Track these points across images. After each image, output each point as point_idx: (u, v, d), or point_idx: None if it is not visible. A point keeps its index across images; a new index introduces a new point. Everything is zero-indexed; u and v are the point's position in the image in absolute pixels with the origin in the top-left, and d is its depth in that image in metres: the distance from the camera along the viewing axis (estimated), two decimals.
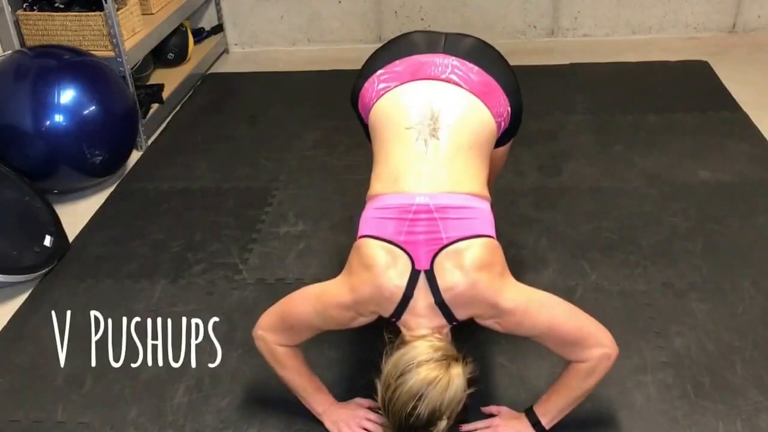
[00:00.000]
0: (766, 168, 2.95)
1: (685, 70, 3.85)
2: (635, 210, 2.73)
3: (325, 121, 3.52)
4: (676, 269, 2.42)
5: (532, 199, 2.83)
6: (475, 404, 1.92)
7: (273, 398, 2.03)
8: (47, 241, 2.63)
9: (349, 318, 1.71)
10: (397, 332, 1.69)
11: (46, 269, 2.58)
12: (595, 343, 1.68)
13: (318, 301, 1.73)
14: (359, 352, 2.13)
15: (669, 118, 3.38)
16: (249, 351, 2.19)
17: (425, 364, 1.54)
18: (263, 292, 2.43)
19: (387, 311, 1.67)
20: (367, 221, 1.71)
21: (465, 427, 1.88)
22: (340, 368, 2.11)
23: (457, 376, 1.56)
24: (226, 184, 3.08)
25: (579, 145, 3.19)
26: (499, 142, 1.93)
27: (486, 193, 1.76)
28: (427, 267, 1.62)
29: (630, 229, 2.63)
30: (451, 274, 1.62)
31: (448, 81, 1.80)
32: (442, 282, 1.62)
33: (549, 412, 1.80)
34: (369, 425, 1.88)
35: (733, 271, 2.40)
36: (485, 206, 1.73)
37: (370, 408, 1.90)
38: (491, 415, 1.91)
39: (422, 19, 4.33)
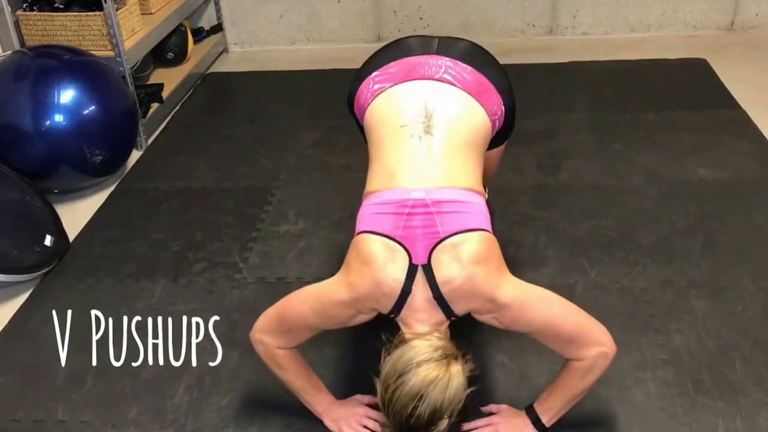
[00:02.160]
0: (764, 165, 2.95)
1: (683, 68, 3.86)
2: (634, 208, 2.73)
3: (324, 120, 3.52)
4: (676, 267, 2.42)
5: (532, 198, 2.83)
6: (475, 403, 1.92)
7: (273, 397, 2.03)
8: (48, 240, 2.63)
9: (348, 316, 1.71)
10: (395, 332, 1.68)
11: (47, 269, 2.58)
12: (593, 341, 1.68)
13: (316, 300, 1.73)
14: (358, 351, 2.13)
15: (668, 116, 3.38)
16: (249, 350, 2.18)
17: (425, 363, 1.54)
18: (263, 291, 2.43)
19: (386, 307, 1.67)
20: (365, 217, 1.72)
21: (466, 426, 1.88)
22: (339, 367, 2.11)
23: (457, 374, 1.55)
24: (226, 184, 3.08)
25: (578, 144, 3.20)
26: (493, 143, 1.94)
27: (481, 189, 1.77)
28: (425, 261, 1.62)
29: (629, 226, 2.63)
30: (449, 268, 1.61)
31: (442, 80, 1.81)
32: (439, 276, 1.62)
33: (549, 410, 1.80)
34: (369, 423, 1.88)
35: (732, 269, 2.40)
36: (480, 201, 1.73)
37: (369, 405, 1.91)
38: (491, 414, 1.91)
39: (421, 18, 4.33)
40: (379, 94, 1.85)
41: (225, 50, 4.53)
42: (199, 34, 4.32)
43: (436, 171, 1.70)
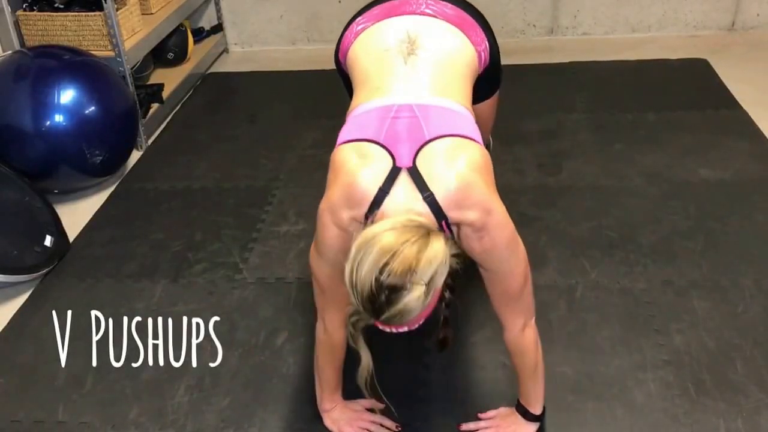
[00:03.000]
0: (765, 166, 2.95)
1: (684, 69, 3.85)
2: (635, 208, 2.73)
3: (325, 120, 3.52)
4: (677, 267, 2.42)
5: (532, 198, 2.83)
6: (474, 408, 1.93)
7: (274, 397, 2.03)
8: (48, 241, 2.63)
9: (334, 236, 1.58)
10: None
11: (47, 269, 2.58)
12: (526, 309, 1.69)
13: (314, 241, 1.67)
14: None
15: (668, 116, 3.38)
16: (250, 350, 2.19)
17: (400, 227, 1.40)
18: (264, 292, 2.43)
19: (361, 213, 1.53)
20: (346, 128, 1.66)
21: (465, 426, 1.88)
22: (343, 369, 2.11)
23: (437, 242, 1.41)
24: (226, 184, 3.08)
25: (579, 144, 3.19)
26: (482, 91, 1.91)
27: (472, 111, 1.70)
28: (410, 164, 1.52)
29: (630, 227, 2.63)
30: (443, 170, 1.52)
31: (423, 14, 1.81)
32: (430, 178, 1.51)
33: (529, 399, 1.83)
34: (371, 426, 1.88)
35: (733, 269, 2.40)
36: (470, 116, 1.67)
37: (371, 409, 1.91)
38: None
39: None
40: (361, 33, 1.84)
41: (225, 50, 4.52)
42: (200, 34, 4.32)
43: (422, 85, 1.65)
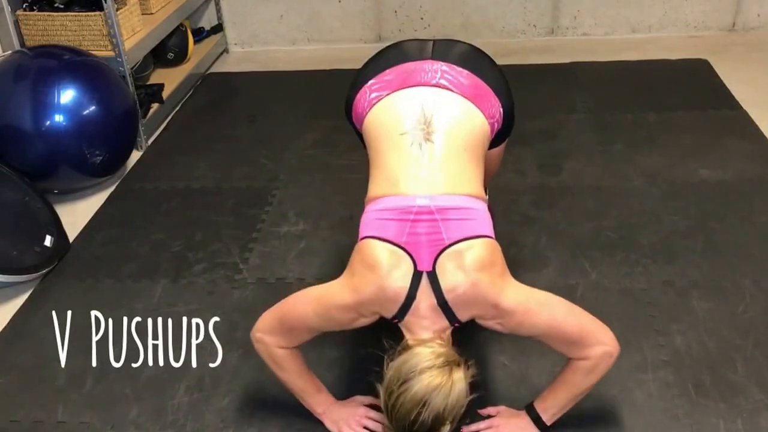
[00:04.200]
0: (766, 166, 2.94)
1: (685, 69, 3.85)
2: (635, 208, 2.73)
3: (325, 121, 3.52)
4: (677, 267, 2.42)
5: (533, 198, 2.82)
6: (476, 405, 1.92)
7: (273, 398, 2.03)
8: (47, 241, 2.63)
9: (350, 319, 1.71)
10: (397, 338, 1.68)
11: (47, 269, 2.58)
12: (596, 341, 1.69)
13: (318, 303, 1.73)
14: (359, 352, 2.13)
15: (669, 116, 3.38)
16: (250, 351, 2.18)
17: (428, 371, 1.54)
18: (264, 292, 2.43)
19: (390, 312, 1.67)
20: (369, 223, 1.72)
21: (465, 428, 1.88)
22: (340, 368, 2.10)
23: (459, 380, 1.55)
24: (226, 184, 3.08)
25: (579, 144, 3.19)
26: (493, 143, 1.94)
27: (483, 194, 1.78)
28: (430, 268, 1.63)
29: (630, 227, 2.63)
30: (453, 275, 1.62)
31: (439, 86, 1.82)
32: (444, 283, 1.63)
33: (550, 409, 1.80)
34: (369, 423, 1.88)
35: (733, 270, 2.40)
36: (483, 207, 1.74)
37: (370, 405, 1.90)
38: (490, 417, 1.90)
39: (422, 18, 4.33)
40: (376, 103, 1.85)
41: (225, 50, 4.52)
42: (200, 34, 4.32)
43: (438, 178, 1.71)
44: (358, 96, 1.90)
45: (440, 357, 1.57)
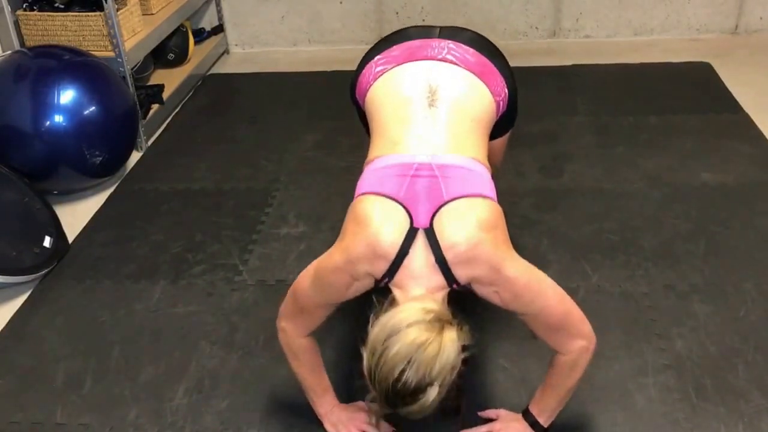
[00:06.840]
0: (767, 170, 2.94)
1: (687, 72, 3.85)
2: (637, 211, 2.72)
3: (325, 122, 3.51)
4: (678, 271, 2.41)
5: (533, 201, 2.82)
6: (474, 408, 1.92)
7: (273, 400, 2.02)
8: (47, 241, 2.62)
9: (345, 284, 1.64)
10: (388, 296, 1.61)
11: (46, 270, 2.57)
12: (577, 332, 1.67)
13: (315, 271, 1.69)
14: (359, 354, 2.12)
15: (671, 119, 3.37)
16: (249, 352, 2.19)
17: (415, 326, 1.44)
18: (263, 294, 2.42)
19: (380, 270, 1.60)
20: (365, 180, 1.68)
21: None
22: (339, 368, 2.10)
23: (450, 341, 1.45)
24: (226, 185, 3.08)
25: (580, 147, 3.19)
26: (496, 132, 1.92)
27: (487, 164, 1.73)
28: (427, 225, 1.57)
29: (631, 230, 2.62)
30: (453, 232, 1.56)
31: (445, 60, 1.81)
32: (442, 239, 1.56)
33: (544, 411, 1.80)
34: (368, 428, 1.87)
35: (735, 273, 2.39)
36: (485, 172, 1.70)
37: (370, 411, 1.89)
38: (490, 420, 1.90)
39: (423, 20, 4.33)
40: (381, 75, 1.85)
41: (226, 51, 4.52)
42: (200, 35, 4.31)
43: (441, 139, 1.67)
44: (363, 71, 1.90)
45: (430, 313, 1.47)
